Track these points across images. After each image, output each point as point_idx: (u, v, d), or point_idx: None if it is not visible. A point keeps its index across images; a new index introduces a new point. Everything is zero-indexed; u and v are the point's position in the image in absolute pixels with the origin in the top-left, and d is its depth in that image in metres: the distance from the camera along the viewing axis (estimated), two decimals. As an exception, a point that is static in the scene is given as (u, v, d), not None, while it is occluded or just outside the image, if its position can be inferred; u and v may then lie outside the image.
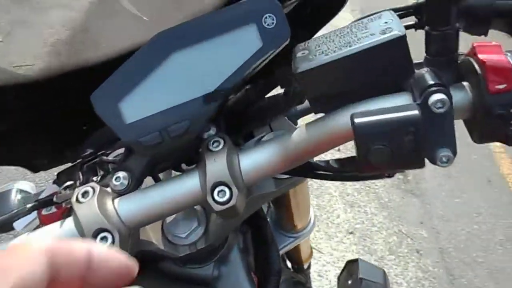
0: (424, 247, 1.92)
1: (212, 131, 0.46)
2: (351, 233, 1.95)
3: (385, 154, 0.30)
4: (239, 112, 0.48)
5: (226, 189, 0.39)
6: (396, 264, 1.84)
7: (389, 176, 0.36)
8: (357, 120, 0.30)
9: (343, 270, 0.67)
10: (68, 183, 0.49)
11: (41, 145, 0.56)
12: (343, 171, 0.42)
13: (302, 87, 0.36)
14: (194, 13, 0.43)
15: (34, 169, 0.53)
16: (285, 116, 0.52)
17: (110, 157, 0.56)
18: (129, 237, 0.41)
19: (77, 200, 0.39)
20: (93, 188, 0.40)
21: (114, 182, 0.43)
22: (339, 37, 0.36)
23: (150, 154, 0.41)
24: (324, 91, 0.35)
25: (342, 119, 0.35)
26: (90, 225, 0.39)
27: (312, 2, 0.44)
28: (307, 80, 0.35)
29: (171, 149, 0.42)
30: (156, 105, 0.40)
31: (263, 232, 0.59)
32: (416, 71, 0.33)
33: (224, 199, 0.39)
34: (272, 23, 0.39)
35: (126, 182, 0.43)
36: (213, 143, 0.42)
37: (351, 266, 0.58)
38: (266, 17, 0.39)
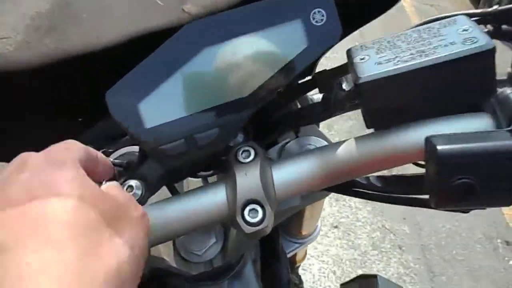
0: (406, 243, 1.94)
1: (240, 138, 0.41)
2: (335, 227, 1.94)
3: (469, 189, 0.25)
4: (266, 116, 0.43)
5: (259, 208, 0.34)
6: (378, 259, 1.85)
7: (464, 212, 0.32)
8: (440, 147, 0.26)
9: (351, 281, 0.63)
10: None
11: (33, 139, 0.50)
12: (388, 191, 0.38)
13: (362, 98, 0.31)
14: (206, 5, 0.38)
15: None
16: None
17: (112, 158, 0.50)
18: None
19: None
20: None
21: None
22: (407, 43, 0.31)
23: (172, 165, 0.36)
24: (388, 104, 0.30)
25: (406, 138, 0.31)
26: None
27: None
28: (371, 91, 0.30)
29: (196, 159, 0.36)
30: (182, 109, 0.34)
31: (275, 246, 0.55)
32: (499, 89, 0.29)
33: (256, 219, 0.34)
34: (321, 19, 0.34)
35: (139, 192, 0.37)
36: (242, 153, 0.37)
37: (367, 282, 0.55)
38: (314, 13, 0.34)
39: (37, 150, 0.51)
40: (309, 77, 0.41)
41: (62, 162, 0.26)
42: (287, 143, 0.47)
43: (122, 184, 0.38)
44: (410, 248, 1.92)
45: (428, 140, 0.27)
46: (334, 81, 0.39)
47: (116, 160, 0.45)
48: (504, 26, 0.32)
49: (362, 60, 0.31)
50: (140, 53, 0.37)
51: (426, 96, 0.30)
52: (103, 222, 0.23)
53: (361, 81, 0.29)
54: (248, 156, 0.36)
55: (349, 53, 0.33)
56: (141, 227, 0.27)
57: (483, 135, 0.26)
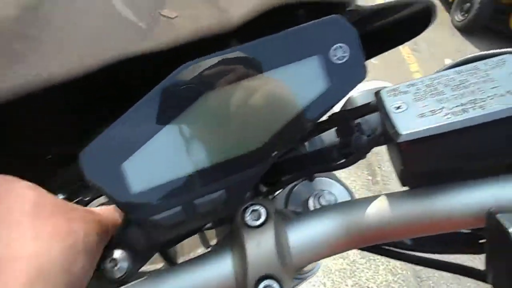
0: (393, 249, 1.92)
1: (245, 192, 0.35)
2: (322, 236, 1.91)
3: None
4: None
5: (275, 285, 0.28)
6: (367, 268, 1.82)
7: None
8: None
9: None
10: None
11: None
12: (423, 251, 0.33)
13: (401, 157, 0.25)
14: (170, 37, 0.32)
15: None
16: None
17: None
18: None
19: None
20: None
21: (107, 266, 0.30)
22: (451, 88, 0.26)
23: (166, 237, 0.29)
24: (434, 165, 0.25)
25: (457, 201, 0.26)
26: None
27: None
28: (415, 150, 0.24)
29: (196, 227, 0.30)
30: (178, 168, 0.28)
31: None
32: None
33: None
34: (344, 56, 0.29)
35: (125, 265, 0.31)
36: (250, 213, 0.31)
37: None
38: (335, 48, 0.28)
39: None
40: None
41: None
42: (294, 186, 0.42)
43: (104, 256, 0.31)
44: (397, 254, 1.90)
45: (493, 217, 0.22)
46: (353, 123, 0.33)
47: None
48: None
49: (399, 110, 0.26)
50: (113, 80, 0.31)
51: (478, 154, 0.25)
52: (60, 212, 0.26)
53: (402, 139, 0.24)
54: (258, 218, 0.30)
55: (379, 97, 0.28)
56: (91, 227, 0.29)
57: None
